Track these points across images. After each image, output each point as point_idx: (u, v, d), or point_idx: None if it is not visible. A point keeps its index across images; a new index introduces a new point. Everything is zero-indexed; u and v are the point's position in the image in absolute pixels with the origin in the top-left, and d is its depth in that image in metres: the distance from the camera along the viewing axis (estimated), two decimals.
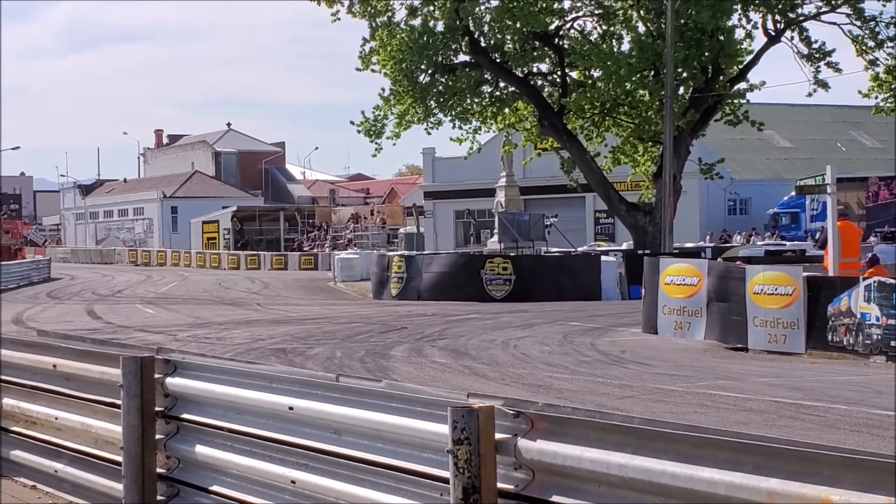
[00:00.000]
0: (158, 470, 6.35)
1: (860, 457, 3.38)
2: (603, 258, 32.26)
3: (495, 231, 40.36)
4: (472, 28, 34.02)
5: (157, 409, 6.36)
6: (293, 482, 5.46)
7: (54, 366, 7.37)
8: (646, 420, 4.07)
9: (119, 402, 6.38)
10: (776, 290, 16.01)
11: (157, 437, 6.35)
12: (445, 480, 4.48)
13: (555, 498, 4.26)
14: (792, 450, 3.54)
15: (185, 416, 6.30)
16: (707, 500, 3.68)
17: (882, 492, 3.27)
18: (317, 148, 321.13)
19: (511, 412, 4.44)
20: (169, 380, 6.36)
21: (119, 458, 6.40)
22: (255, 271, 59.51)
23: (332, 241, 70.32)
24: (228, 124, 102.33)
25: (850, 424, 9.88)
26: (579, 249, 40.57)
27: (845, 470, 3.39)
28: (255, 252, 66.52)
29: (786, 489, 3.48)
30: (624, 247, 40.64)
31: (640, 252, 31.45)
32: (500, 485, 4.42)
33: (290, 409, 5.50)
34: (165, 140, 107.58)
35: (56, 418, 7.34)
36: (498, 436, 4.42)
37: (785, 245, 40.94)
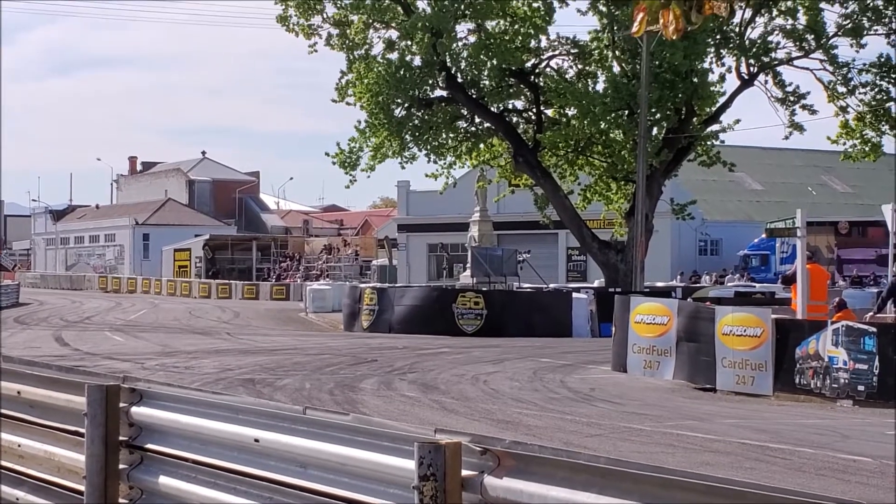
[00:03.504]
0: (121, 500, 6.28)
1: (824, 502, 3.39)
2: (574, 295, 32.36)
3: (468, 265, 40.37)
4: (448, 63, 34.21)
5: (121, 438, 6.29)
6: None
7: (18, 392, 7.29)
8: (612, 460, 4.07)
9: (83, 430, 6.31)
10: (745, 331, 16.09)
11: (121, 466, 6.28)
12: None
13: None
14: (757, 493, 3.54)
15: (149, 445, 6.24)
16: None
17: None
18: (291, 178, 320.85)
19: (478, 449, 4.42)
20: (134, 409, 6.30)
21: (82, 488, 6.32)
22: (227, 300, 59.25)
23: (304, 272, 70.11)
24: (203, 153, 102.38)
25: (816, 468, 9.91)
26: (551, 286, 40.66)
27: None
28: (227, 281, 66.24)
29: None
30: (595, 284, 40.77)
31: (611, 290, 31.57)
32: None
33: (256, 441, 5.45)
34: (139, 167, 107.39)
35: (19, 445, 7.25)
36: (464, 472, 4.40)
37: (755, 287, 41.22)
